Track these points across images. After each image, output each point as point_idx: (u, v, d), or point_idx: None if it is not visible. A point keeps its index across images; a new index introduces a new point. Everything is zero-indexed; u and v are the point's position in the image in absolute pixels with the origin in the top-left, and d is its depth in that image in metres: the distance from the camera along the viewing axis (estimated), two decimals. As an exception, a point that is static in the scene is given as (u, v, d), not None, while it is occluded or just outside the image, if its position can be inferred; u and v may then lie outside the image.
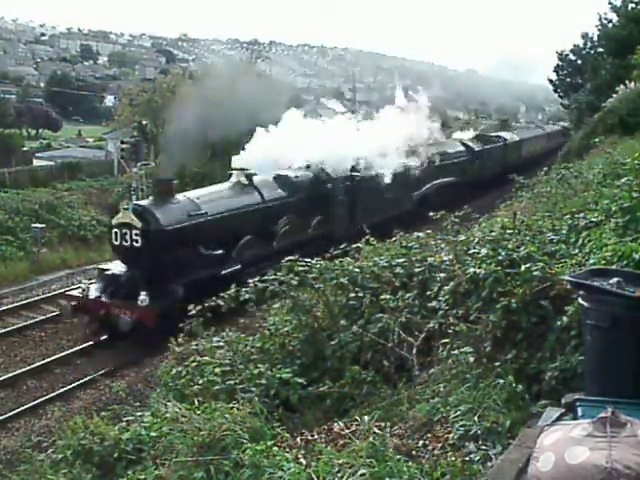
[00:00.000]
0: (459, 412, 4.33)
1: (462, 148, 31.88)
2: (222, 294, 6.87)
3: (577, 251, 5.38)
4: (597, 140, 16.25)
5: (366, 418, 4.54)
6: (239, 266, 15.24)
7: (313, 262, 6.94)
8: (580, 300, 3.85)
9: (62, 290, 17.84)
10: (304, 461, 4.00)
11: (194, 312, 6.74)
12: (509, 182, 14.01)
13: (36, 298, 17.88)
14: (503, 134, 40.34)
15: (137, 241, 14.17)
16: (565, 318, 4.42)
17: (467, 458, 3.83)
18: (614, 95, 23.74)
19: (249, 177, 17.32)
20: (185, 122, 15.98)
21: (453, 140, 33.79)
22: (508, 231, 6.11)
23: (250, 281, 6.91)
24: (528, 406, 4.18)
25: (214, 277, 14.02)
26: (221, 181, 18.90)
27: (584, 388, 3.83)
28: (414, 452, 4.14)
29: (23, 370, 13.33)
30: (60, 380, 13.13)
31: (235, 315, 8.30)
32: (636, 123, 18.64)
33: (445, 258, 6.50)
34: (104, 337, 14.41)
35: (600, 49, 35.56)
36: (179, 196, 15.50)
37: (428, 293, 6.19)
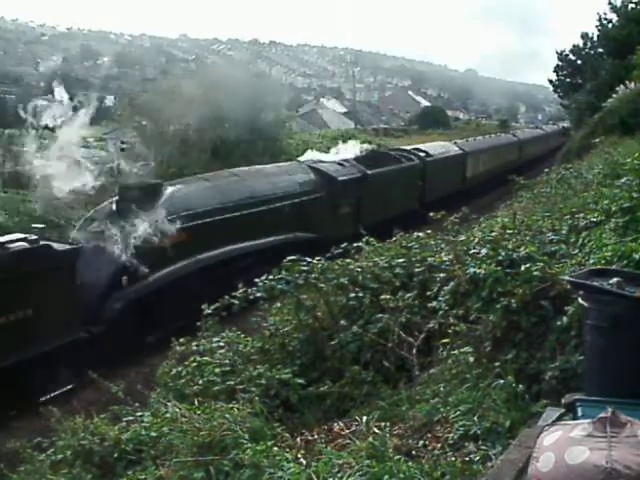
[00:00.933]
0: (459, 412, 4.33)
1: (308, 177, 18.23)
2: (234, 293, 6.82)
3: (577, 251, 5.38)
4: (597, 140, 16.26)
5: (366, 418, 4.54)
6: None
7: (314, 262, 6.95)
8: (580, 300, 3.86)
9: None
10: (304, 461, 4.00)
11: (209, 311, 6.75)
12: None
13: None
14: (427, 146, 27.30)
15: None
16: (565, 318, 4.42)
17: (467, 458, 3.83)
18: (614, 95, 23.74)
19: None
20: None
21: (292, 164, 19.91)
22: (508, 231, 6.11)
23: (258, 280, 6.89)
24: (528, 406, 4.18)
25: None
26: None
27: (584, 388, 3.83)
28: (414, 452, 4.14)
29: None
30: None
31: (240, 315, 8.28)
32: (636, 123, 18.64)
33: (445, 258, 6.50)
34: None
35: (600, 49, 35.59)
36: None
37: (428, 293, 6.18)
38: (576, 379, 4.14)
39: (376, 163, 21.76)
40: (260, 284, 6.77)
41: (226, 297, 6.81)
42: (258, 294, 6.70)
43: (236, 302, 6.71)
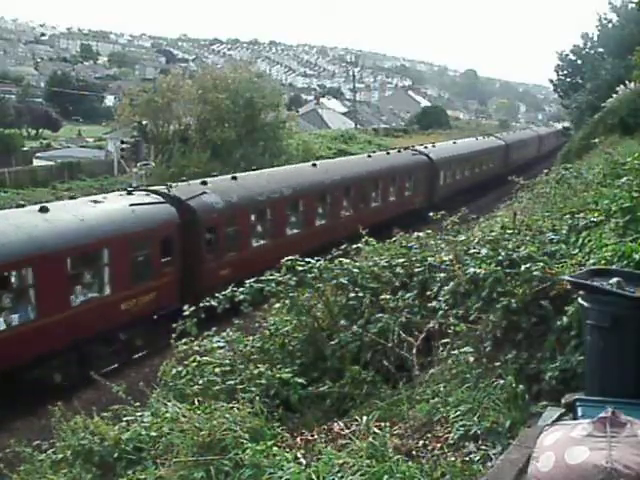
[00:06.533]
0: (459, 412, 4.33)
1: None
2: (217, 294, 6.78)
3: (577, 251, 5.38)
4: (597, 140, 16.24)
5: (366, 418, 4.54)
6: None
7: (312, 262, 6.92)
8: (580, 300, 3.86)
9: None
10: (304, 461, 4.00)
11: (188, 312, 6.66)
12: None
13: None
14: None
15: None
16: (565, 318, 4.42)
17: (467, 458, 3.83)
18: (614, 95, 23.73)
19: None
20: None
21: None
22: (508, 231, 6.10)
23: (246, 281, 6.84)
24: (528, 406, 4.18)
25: None
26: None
27: (584, 388, 3.83)
28: (414, 452, 4.14)
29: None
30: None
31: (232, 316, 8.25)
32: (636, 123, 18.64)
33: (445, 258, 6.49)
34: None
35: (600, 49, 35.61)
36: None
37: (428, 293, 6.18)
38: (576, 379, 4.14)
39: None
40: (247, 286, 6.69)
41: (207, 299, 6.71)
42: (241, 297, 6.62)
43: (215, 304, 6.61)
